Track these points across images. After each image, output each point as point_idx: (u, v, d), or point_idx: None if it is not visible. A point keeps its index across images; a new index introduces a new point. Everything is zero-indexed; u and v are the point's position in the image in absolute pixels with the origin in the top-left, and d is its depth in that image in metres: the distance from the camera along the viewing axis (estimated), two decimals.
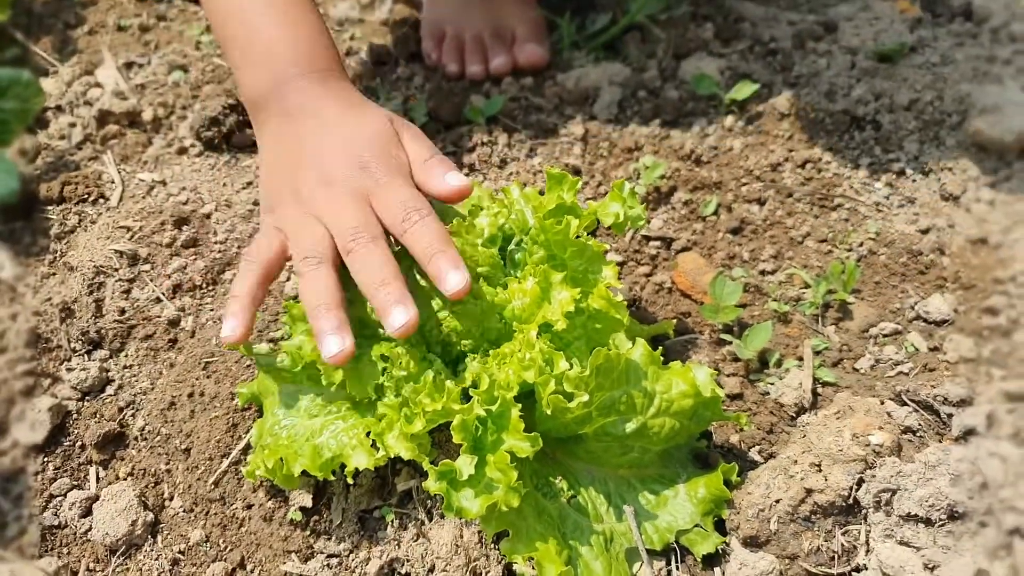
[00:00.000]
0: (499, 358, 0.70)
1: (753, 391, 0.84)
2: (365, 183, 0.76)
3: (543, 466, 0.72)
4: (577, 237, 0.74)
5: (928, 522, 0.68)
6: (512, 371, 0.67)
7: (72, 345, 0.90)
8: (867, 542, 0.70)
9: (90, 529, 0.77)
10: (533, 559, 0.65)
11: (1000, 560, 0.66)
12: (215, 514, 0.78)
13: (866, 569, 0.68)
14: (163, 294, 0.96)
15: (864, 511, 0.71)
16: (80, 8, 1.41)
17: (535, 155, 1.11)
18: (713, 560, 0.71)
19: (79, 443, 0.83)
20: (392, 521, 0.75)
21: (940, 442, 0.76)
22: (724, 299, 0.87)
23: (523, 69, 1.24)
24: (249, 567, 0.74)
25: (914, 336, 0.88)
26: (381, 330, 0.74)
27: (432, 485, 0.64)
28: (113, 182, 1.10)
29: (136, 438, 0.84)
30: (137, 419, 0.85)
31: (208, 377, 0.87)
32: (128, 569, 0.75)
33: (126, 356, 0.91)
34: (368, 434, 0.72)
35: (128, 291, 0.96)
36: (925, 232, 0.98)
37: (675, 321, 0.87)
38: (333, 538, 0.75)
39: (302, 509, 0.76)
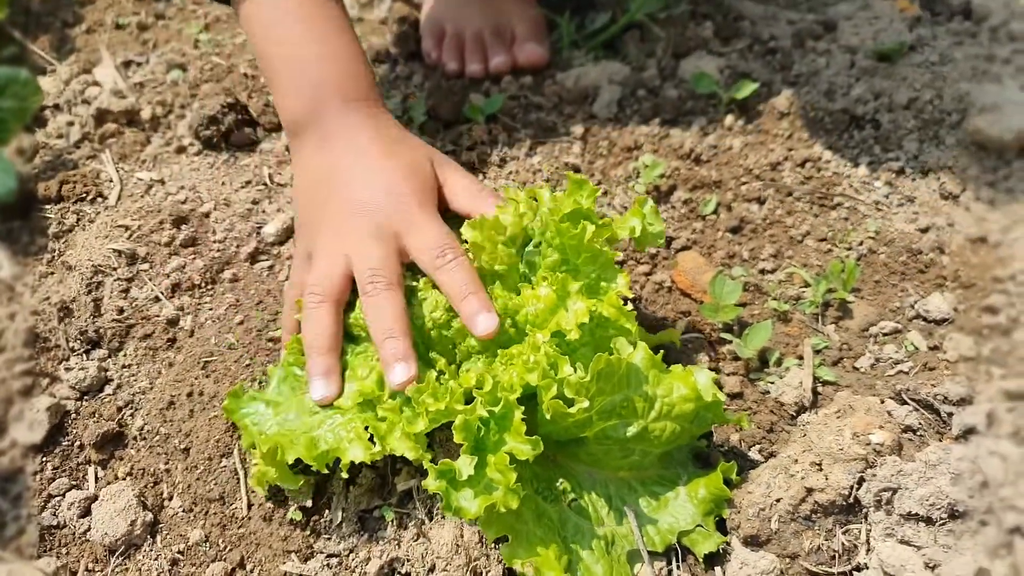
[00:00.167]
0: (504, 360, 0.70)
1: (753, 390, 0.83)
2: (397, 217, 0.77)
3: (544, 469, 0.72)
4: (590, 243, 0.74)
5: (929, 521, 0.68)
6: (516, 373, 0.67)
7: (70, 344, 0.90)
8: (868, 541, 0.70)
9: (89, 529, 0.76)
10: (533, 564, 0.65)
11: (1001, 559, 0.66)
12: (214, 514, 0.77)
13: (867, 568, 0.68)
14: (162, 293, 0.96)
15: (865, 510, 0.71)
16: (78, 7, 1.40)
17: (534, 154, 1.11)
18: (714, 560, 0.71)
19: (78, 443, 0.83)
20: (392, 521, 0.75)
21: (940, 441, 0.76)
22: (724, 298, 0.87)
23: (523, 68, 1.23)
24: (249, 567, 0.74)
25: (914, 335, 0.88)
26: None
27: (431, 484, 0.64)
28: (111, 181, 1.09)
29: (135, 438, 0.84)
30: (136, 419, 0.85)
31: (207, 376, 0.87)
32: (127, 569, 0.74)
33: (125, 355, 0.90)
34: (366, 428, 0.72)
35: (127, 290, 0.96)
36: (925, 231, 0.98)
37: (680, 332, 0.86)
38: (333, 538, 0.75)
39: (302, 509, 0.76)
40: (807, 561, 0.69)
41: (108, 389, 0.87)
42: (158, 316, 0.93)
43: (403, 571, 0.72)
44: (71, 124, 1.17)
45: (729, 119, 1.12)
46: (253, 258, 1.00)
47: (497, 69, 1.23)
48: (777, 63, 1.21)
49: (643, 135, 1.11)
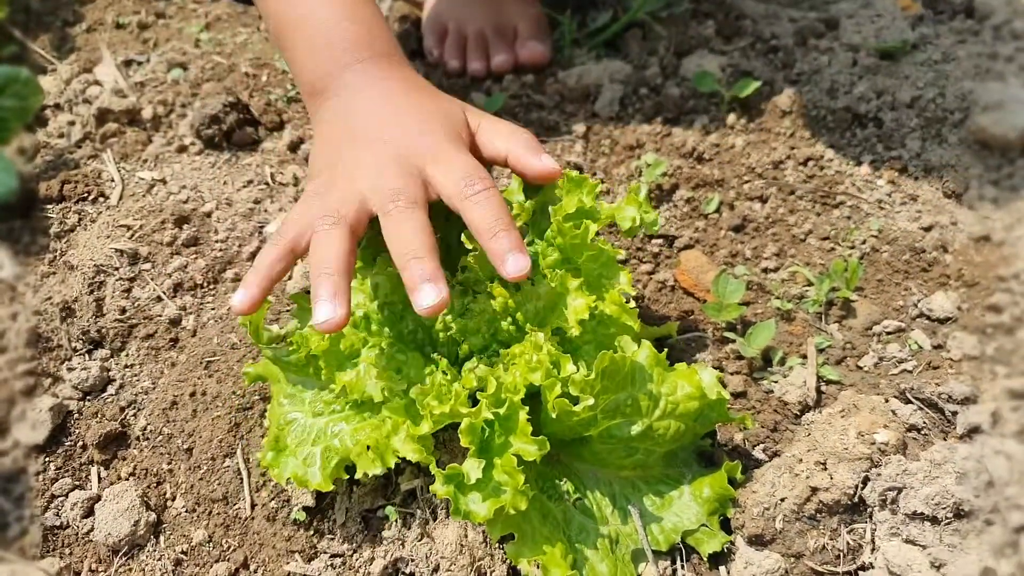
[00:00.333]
0: (506, 360, 0.70)
1: (757, 389, 0.83)
2: (422, 147, 0.72)
3: (548, 468, 0.72)
4: (592, 241, 0.74)
5: (934, 520, 0.68)
6: (519, 373, 0.67)
7: (73, 344, 0.90)
8: (873, 540, 0.70)
9: (92, 529, 0.76)
10: (539, 563, 0.65)
11: (1006, 558, 0.66)
12: (218, 514, 0.77)
13: (872, 567, 0.68)
14: (164, 293, 0.95)
15: (870, 509, 0.71)
16: (78, 5, 1.40)
17: None
18: (718, 559, 0.71)
19: (80, 443, 0.83)
20: (396, 521, 0.75)
21: (945, 440, 0.76)
22: (727, 297, 0.86)
23: (524, 66, 1.23)
24: (252, 567, 0.74)
25: (917, 334, 0.87)
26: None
27: (439, 489, 0.64)
28: (113, 180, 1.09)
29: (138, 438, 0.83)
30: (139, 419, 0.85)
31: (210, 376, 0.87)
32: (131, 570, 0.74)
33: (127, 355, 0.90)
34: (375, 441, 0.71)
35: (129, 290, 0.96)
36: (928, 229, 0.98)
37: (678, 324, 0.86)
38: (337, 538, 0.75)
39: (305, 509, 0.76)
40: (812, 560, 0.69)
41: (111, 389, 0.87)
42: (160, 316, 0.93)
43: (407, 571, 0.72)
44: (72, 123, 1.17)
45: (731, 117, 1.12)
46: (255, 257, 1.00)
47: (499, 67, 1.23)
48: (779, 61, 1.21)
49: (645, 134, 1.11)
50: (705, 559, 0.70)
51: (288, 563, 0.73)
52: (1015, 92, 1.06)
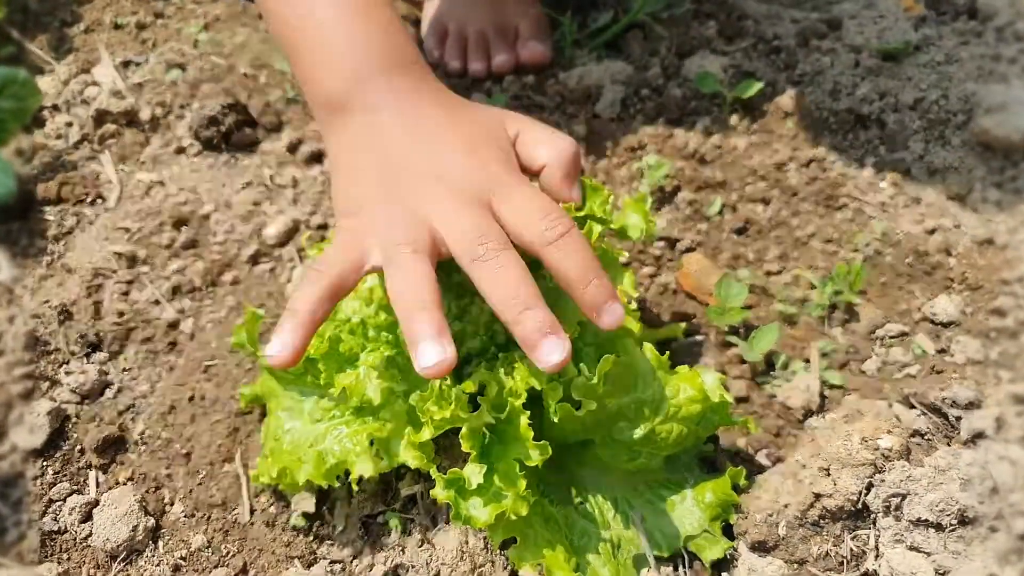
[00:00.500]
0: (507, 363, 0.70)
1: (760, 393, 0.83)
2: (484, 182, 0.64)
3: (550, 472, 0.71)
4: (597, 244, 0.73)
5: (938, 527, 0.68)
6: (520, 377, 0.66)
7: (70, 348, 0.89)
8: (876, 547, 0.69)
9: (90, 534, 0.76)
10: (541, 566, 0.65)
11: (1011, 565, 0.65)
12: (217, 519, 0.77)
13: (876, 574, 0.68)
14: (162, 296, 0.95)
15: (873, 516, 0.70)
16: (76, 6, 1.39)
17: None
18: (721, 565, 0.70)
19: (78, 447, 0.82)
20: (396, 527, 0.74)
21: (949, 446, 0.75)
22: (730, 300, 0.86)
23: (525, 66, 1.23)
24: (252, 573, 0.74)
25: (921, 338, 0.87)
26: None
27: (440, 494, 0.63)
28: (111, 182, 1.08)
29: (136, 442, 0.83)
30: (137, 423, 0.84)
31: (209, 381, 0.86)
32: (129, 575, 0.74)
33: (125, 359, 0.90)
34: (372, 443, 0.71)
35: (127, 293, 0.95)
36: (931, 232, 0.97)
37: (684, 325, 0.86)
38: (336, 544, 0.74)
39: (305, 514, 0.75)
40: (815, 567, 0.69)
41: (109, 393, 0.87)
42: (159, 319, 0.93)
43: None
44: (70, 125, 1.16)
45: (733, 119, 1.12)
46: (254, 260, 0.99)
47: (500, 68, 1.22)
48: (781, 62, 1.21)
49: (647, 135, 1.10)
50: (707, 565, 0.70)
51: (287, 569, 0.73)
52: (1018, 94, 1.05)
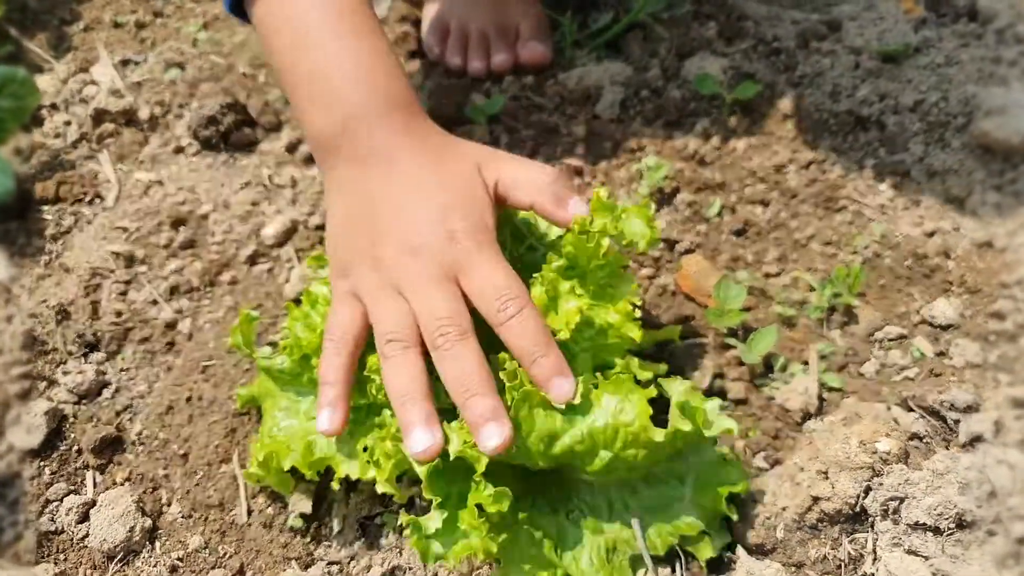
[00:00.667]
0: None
1: (758, 396, 0.83)
2: (453, 256, 0.70)
3: (541, 477, 0.71)
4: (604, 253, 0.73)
5: (936, 531, 0.68)
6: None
7: (68, 348, 0.89)
8: (874, 551, 0.69)
9: (87, 535, 0.76)
10: None
11: (1009, 569, 0.65)
12: (214, 520, 0.77)
13: None
14: (160, 296, 0.95)
15: (871, 519, 0.70)
16: (76, 4, 1.39)
17: (537, 155, 1.10)
18: (719, 568, 0.70)
19: (76, 447, 0.82)
20: (393, 528, 0.74)
21: (947, 449, 0.75)
22: (729, 303, 0.86)
23: (525, 66, 1.22)
24: (249, 574, 0.73)
25: (920, 340, 0.87)
26: None
27: (411, 539, 0.64)
28: (109, 182, 1.08)
29: (134, 443, 0.83)
30: (134, 423, 0.84)
31: (206, 381, 0.86)
32: (126, 575, 0.74)
33: (123, 359, 0.90)
34: (365, 449, 0.71)
35: (125, 293, 0.95)
36: (931, 235, 0.97)
37: (680, 327, 0.86)
38: (334, 545, 0.74)
39: (302, 516, 0.75)
40: (813, 570, 0.69)
41: (106, 393, 0.87)
42: (156, 319, 0.93)
43: None
44: (68, 124, 1.16)
45: (733, 120, 1.12)
46: (252, 260, 0.99)
47: (499, 67, 1.22)
48: (781, 64, 1.21)
49: (646, 136, 1.10)
50: (704, 566, 0.70)
51: (285, 570, 0.73)
52: (1018, 97, 1.05)
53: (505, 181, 0.76)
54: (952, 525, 0.67)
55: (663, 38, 1.25)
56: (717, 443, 0.74)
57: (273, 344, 0.89)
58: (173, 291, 0.95)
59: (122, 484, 0.79)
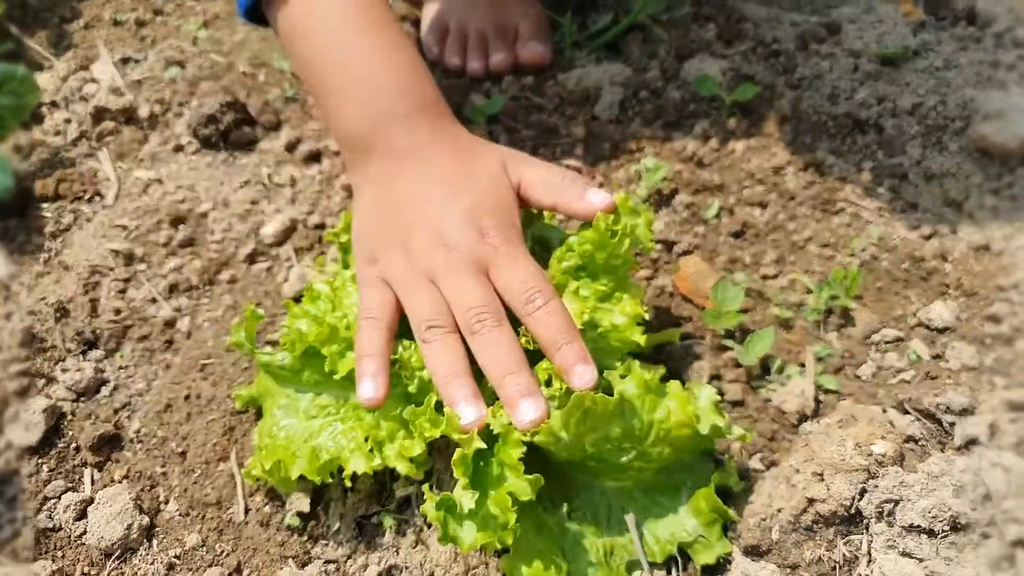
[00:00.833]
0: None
1: (755, 398, 0.83)
2: (483, 252, 0.74)
3: (545, 474, 0.71)
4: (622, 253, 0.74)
5: (931, 533, 0.68)
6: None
7: (67, 345, 0.89)
8: (869, 552, 0.69)
9: (85, 532, 0.76)
10: None
11: (1003, 572, 0.65)
12: (211, 518, 0.77)
13: None
14: (159, 294, 0.95)
15: (866, 521, 0.70)
16: (76, 2, 1.39)
17: (536, 156, 1.09)
18: (715, 570, 0.71)
19: (74, 445, 0.82)
20: (391, 527, 0.74)
21: (943, 452, 0.76)
22: (726, 304, 0.86)
23: (525, 67, 1.23)
24: (246, 572, 0.74)
25: (916, 343, 0.87)
26: None
27: (430, 512, 0.63)
28: (109, 180, 1.08)
29: (131, 440, 0.83)
30: (133, 421, 0.84)
31: (205, 379, 0.86)
32: (123, 573, 0.74)
33: (121, 357, 0.90)
34: (367, 439, 0.71)
35: (124, 291, 0.95)
36: (928, 238, 0.97)
37: (680, 330, 0.86)
38: (331, 544, 0.74)
39: (299, 514, 0.76)
40: (808, 572, 0.69)
41: (105, 391, 0.87)
42: (155, 317, 0.93)
43: None
44: (68, 121, 1.16)
45: (732, 122, 1.12)
46: (252, 259, 0.99)
47: (497, 67, 1.22)
48: (780, 66, 1.21)
49: (645, 138, 1.11)
50: (700, 570, 0.70)
51: (282, 568, 0.73)
52: (1016, 101, 1.05)
53: (529, 181, 0.79)
54: (947, 528, 0.68)
55: (662, 39, 1.25)
56: (715, 451, 0.74)
57: (272, 343, 0.90)
58: (172, 289, 0.96)
59: (120, 482, 0.80)
